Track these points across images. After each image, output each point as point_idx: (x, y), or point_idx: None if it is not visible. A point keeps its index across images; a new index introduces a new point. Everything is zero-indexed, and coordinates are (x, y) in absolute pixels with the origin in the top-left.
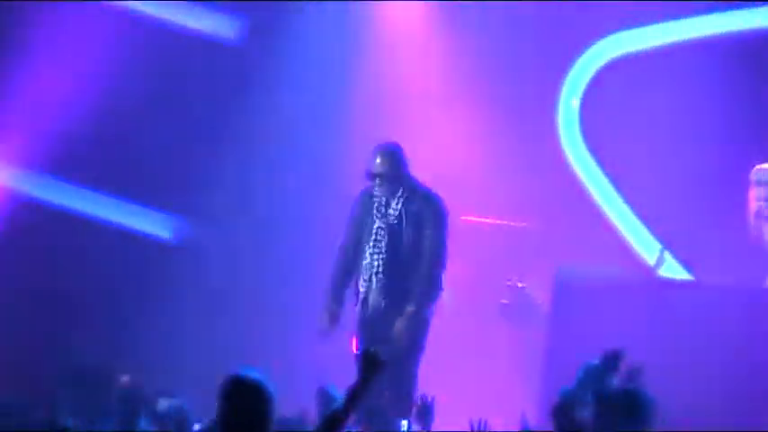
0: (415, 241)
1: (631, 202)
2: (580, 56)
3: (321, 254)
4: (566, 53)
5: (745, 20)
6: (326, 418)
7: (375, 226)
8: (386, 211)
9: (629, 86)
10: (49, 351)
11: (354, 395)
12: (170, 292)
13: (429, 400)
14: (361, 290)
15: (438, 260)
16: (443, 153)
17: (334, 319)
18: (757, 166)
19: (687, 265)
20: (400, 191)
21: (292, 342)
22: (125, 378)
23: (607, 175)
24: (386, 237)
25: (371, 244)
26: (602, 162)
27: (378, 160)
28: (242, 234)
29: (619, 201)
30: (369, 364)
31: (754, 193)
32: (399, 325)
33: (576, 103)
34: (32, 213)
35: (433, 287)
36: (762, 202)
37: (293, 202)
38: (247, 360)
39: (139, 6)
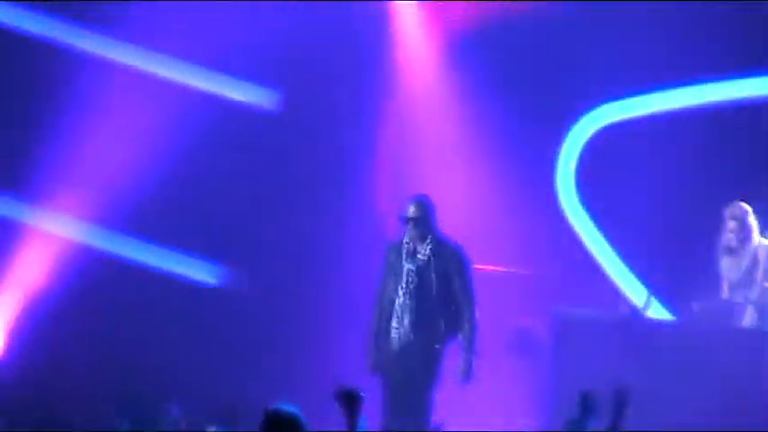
0: (442, 285)
1: (621, 252)
2: (579, 117)
3: (352, 295)
4: (564, 112)
5: (718, 92)
6: None
7: (406, 268)
8: (414, 255)
9: (619, 148)
10: (110, 385)
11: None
12: (218, 333)
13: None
14: (394, 326)
15: (473, 305)
16: (452, 201)
17: (379, 360)
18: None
19: (670, 307)
20: (428, 238)
21: (330, 372)
22: (174, 408)
23: (599, 227)
24: (416, 279)
25: (403, 285)
26: (594, 215)
27: (412, 208)
28: (282, 280)
29: (610, 250)
30: (349, 399)
31: (725, 227)
32: (464, 366)
33: (572, 164)
34: (99, 265)
35: (475, 330)
36: (731, 234)
37: (325, 248)
38: (290, 394)
39: (191, 81)
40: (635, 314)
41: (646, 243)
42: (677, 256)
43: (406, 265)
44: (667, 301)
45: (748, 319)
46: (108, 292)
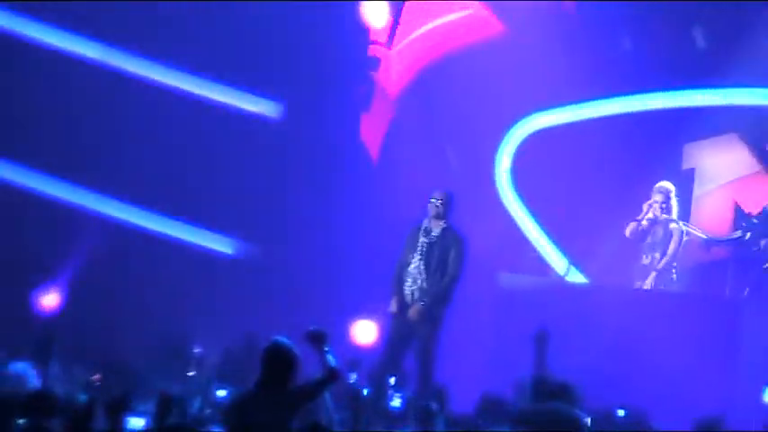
0: (443, 257)
1: (547, 228)
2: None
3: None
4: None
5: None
6: (315, 381)
7: (421, 241)
8: (429, 233)
9: (546, 148)
10: (146, 335)
11: (325, 365)
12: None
13: (433, 409)
14: (408, 282)
15: (458, 272)
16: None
17: (398, 305)
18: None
19: (586, 272)
20: (443, 222)
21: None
22: (198, 349)
23: (531, 211)
24: (426, 249)
25: (418, 254)
26: (526, 201)
27: (438, 195)
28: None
29: (538, 228)
30: (315, 338)
31: (651, 201)
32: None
33: (508, 161)
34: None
35: (450, 285)
36: (656, 205)
37: (344, 229)
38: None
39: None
40: (559, 279)
41: (567, 222)
42: (593, 233)
43: (422, 239)
44: (583, 268)
45: (649, 281)
46: (142, 262)
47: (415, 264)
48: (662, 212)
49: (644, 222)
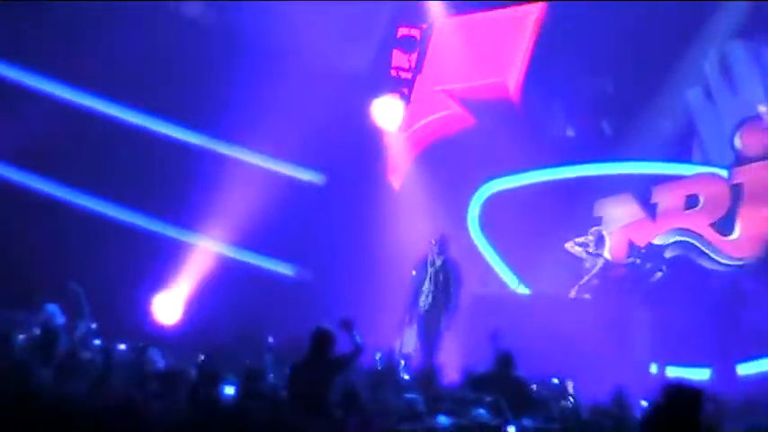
0: (445, 279)
1: (503, 256)
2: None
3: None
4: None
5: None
6: (346, 354)
7: (429, 270)
8: (434, 263)
9: (505, 203)
10: (237, 329)
11: (353, 343)
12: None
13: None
14: (423, 297)
15: (457, 289)
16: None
17: (411, 318)
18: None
19: (530, 286)
20: (442, 256)
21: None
22: (270, 339)
23: (492, 245)
24: (434, 275)
25: (430, 278)
26: (489, 239)
27: (436, 241)
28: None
29: (497, 257)
30: (344, 324)
31: (586, 239)
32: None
33: (477, 211)
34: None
35: (455, 306)
36: (591, 242)
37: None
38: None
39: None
40: (511, 292)
41: (518, 252)
42: (536, 259)
43: (430, 268)
44: (528, 284)
45: (573, 292)
46: (236, 286)
47: (426, 285)
48: (595, 247)
49: (583, 253)
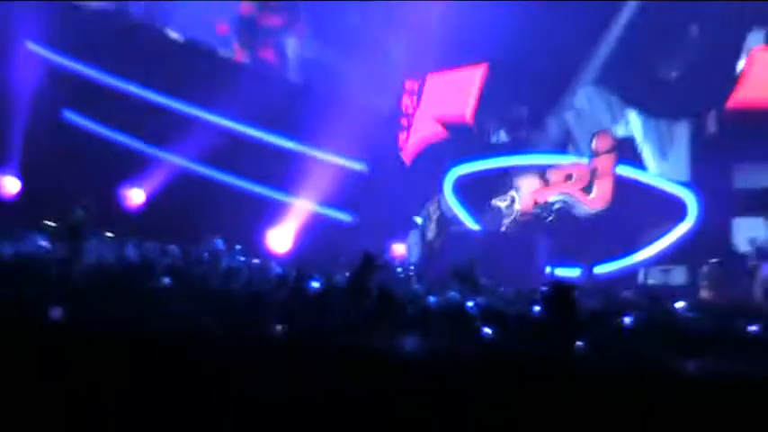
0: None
1: (469, 212)
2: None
3: None
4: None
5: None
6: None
7: (431, 210)
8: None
9: (473, 183)
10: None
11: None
12: None
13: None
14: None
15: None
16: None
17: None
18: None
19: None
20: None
21: None
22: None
23: (462, 206)
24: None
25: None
26: (460, 199)
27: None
28: None
29: (465, 212)
30: (367, 260)
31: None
32: None
33: (450, 188)
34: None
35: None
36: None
37: None
38: None
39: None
40: (471, 229)
41: (473, 207)
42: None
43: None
44: (480, 224)
45: (503, 228)
46: (319, 229)
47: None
48: (510, 203)
49: (504, 207)
